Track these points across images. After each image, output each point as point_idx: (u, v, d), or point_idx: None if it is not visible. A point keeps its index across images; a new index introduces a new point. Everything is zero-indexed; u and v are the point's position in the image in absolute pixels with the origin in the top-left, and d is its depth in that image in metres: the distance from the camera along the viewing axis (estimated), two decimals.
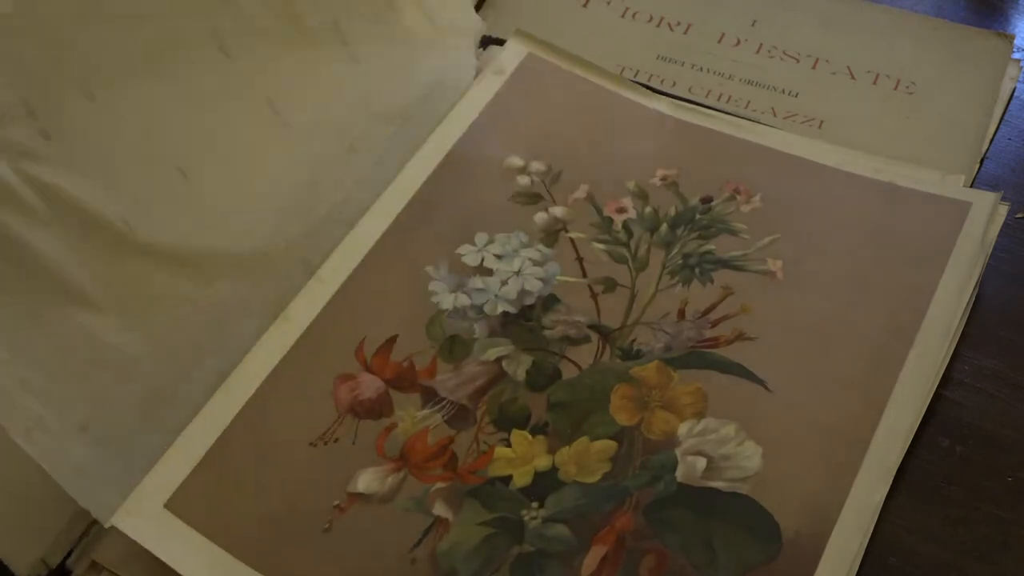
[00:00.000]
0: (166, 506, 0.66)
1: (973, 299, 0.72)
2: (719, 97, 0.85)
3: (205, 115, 0.72)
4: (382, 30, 0.81)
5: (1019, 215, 0.78)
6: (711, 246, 0.75)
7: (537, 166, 0.80)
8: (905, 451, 0.66)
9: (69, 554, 0.66)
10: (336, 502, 0.66)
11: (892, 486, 0.64)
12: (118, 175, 0.67)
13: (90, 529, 0.67)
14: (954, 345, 0.70)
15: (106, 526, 0.64)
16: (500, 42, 0.88)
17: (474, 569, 0.63)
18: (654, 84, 0.86)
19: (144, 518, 0.65)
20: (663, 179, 0.79)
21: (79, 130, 0.66)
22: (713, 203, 0.77)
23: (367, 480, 0.66)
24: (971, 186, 0.78)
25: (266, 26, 0.74)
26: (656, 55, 0.89)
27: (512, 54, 0.86)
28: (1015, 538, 0.64)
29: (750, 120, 0.82)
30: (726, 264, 0.74)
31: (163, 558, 0.64)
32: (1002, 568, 0.63)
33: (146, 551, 0.64)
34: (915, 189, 0.76)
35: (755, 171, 0.79)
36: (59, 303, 0.65)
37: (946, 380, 0.70)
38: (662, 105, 0.83)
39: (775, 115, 0.84)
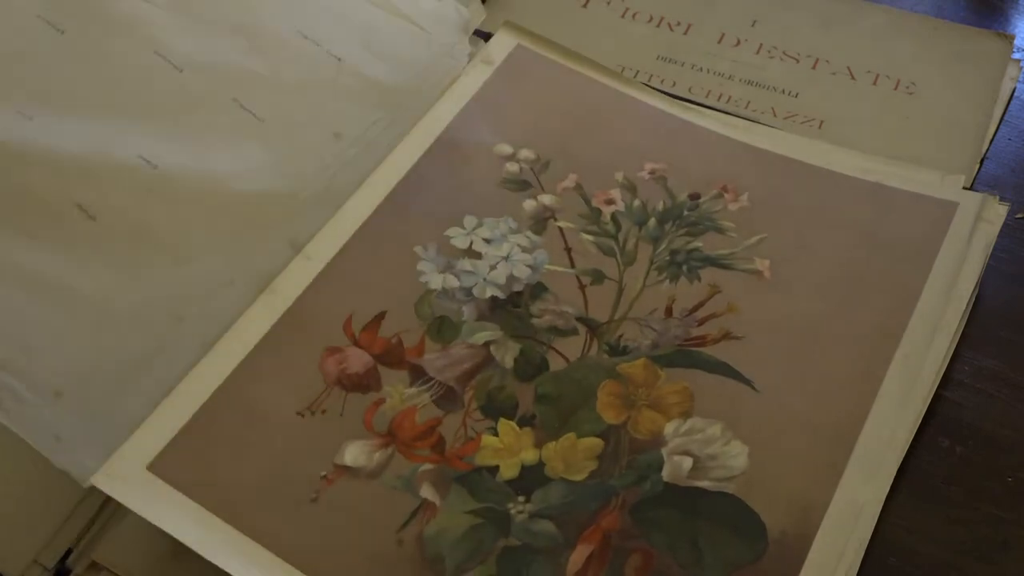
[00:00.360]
0: (149, 468, 0.64)
1: (973, 299, 0.72)
2: (719, 97, 0.85)
3: (165, 122, 0.74)
4: (358, 32, 0.82)
5: (1019, 215, 0.78)
6: (698, 243, 0.75)
7: (526, 154, 0.79)
8: (904, 452, 0.66)
9: (67, 555, 0.65)
10: (323, 473, 0.65)
11: (892, 486, 0.65)
12: (71, 167, 0.69)
13: (89, 529, 0.65)
14: (954, 345, 0.71)
15: (85, 486, 0.63)
16: None
17: (461, 558, 0.62)
18: (654, 84, 0.85)
19: (125, 479, 0.64)
20: (651, 172, 0.78)
21: (19, 134, 0.69)
22: (701, 200, 0.77)
23: (354, 453, 0.65)
24: (971, 186, 0.78)
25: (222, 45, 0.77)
26: (656, 55, 0.88)
27: (501, 45, 0.86)
28: (1015, 538, 0.64)
29: (745, 119, 0.82)
30: (713, 262, 0.74)
31: (146, 516, 0.62)
32: (1002, 568, 0.64)
33: (146, 548, 0.64)
34: (903, 189, 0.77)
35: (743, 170, 0.79)
36: (27, 276, 0.67)
37: (946, 380, 0.70)
38: (651, 99, 0.83)
39: (775, 115, 0.84)
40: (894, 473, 0.65)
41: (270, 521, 0.63)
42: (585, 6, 0.92)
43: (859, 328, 0.70)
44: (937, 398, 0.69)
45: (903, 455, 0.66)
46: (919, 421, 0.67)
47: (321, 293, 0.72)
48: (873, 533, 0.63)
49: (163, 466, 0.64)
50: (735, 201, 0.77)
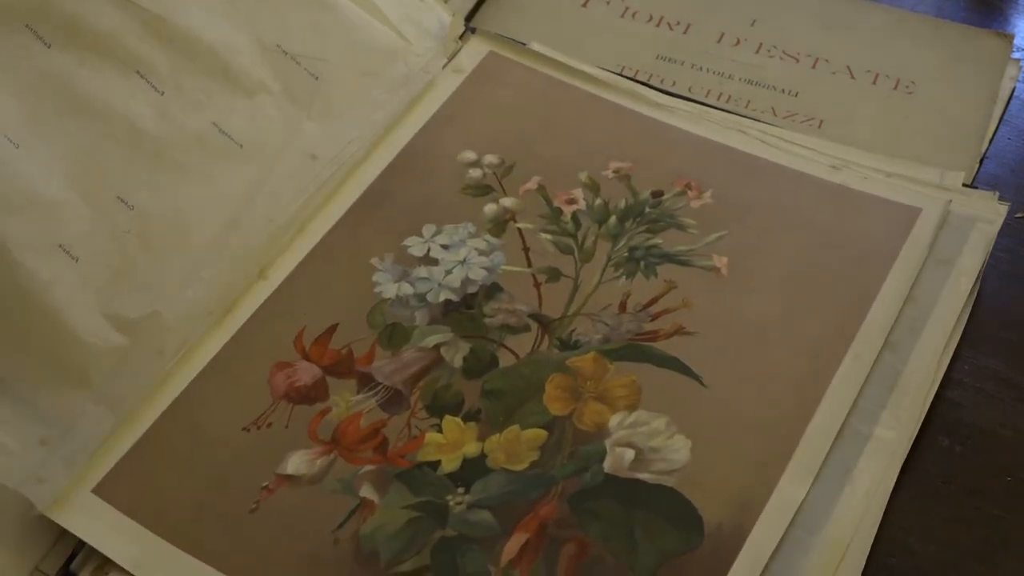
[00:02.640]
0: (94, 491, 0.67)
1: (973, 299, 0.72)
2: (719, 97, 0.86)
3: (144, 153, 0.74)
4: (337, 46, 0.83)
5: (1019, 215, 0.78)
6: (658, 240, 0.76)
7: (490, 159, 0.81)
8: (906, 452, 0.67)
9: (72, 559, 0.66)
10: (265, 483, 0.67)
11: (893, 486, 0.65)
12: (51, 210, 0.70)
13: None
14: (954, 345, 0.71)
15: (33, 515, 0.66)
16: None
17: (396, 551, 0.64)
18: (654, 84, 0.86)
19: (70, 504, 0.66)
20: (616, 172, 0.80)
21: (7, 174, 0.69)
22: (664, 197, 0.78)
23: (296, 462, 0.67)
24: (971, 185, 0.78)
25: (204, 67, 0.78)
26: (656, 55, 0.89)
27: (472, 53, 0.87)
28: (1015, 538, 0.65)
29: (737, 115, 0.83)
30: (671, 258, 0.75)
31: (87, 540, 0.65)
32: (1002, 568, 0.64)
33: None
34: (866, 192, 0.77)
35: (708, 168, 0.79)
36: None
37: (946, 380, 0.70)
38: (622, 98, 0.84)
39: (775, 115, 0.84)
40: (896, 474, 0.66)
41: (210, 536, 0.65)
42: (585, 6, 0.93)
43: (812, 328, 0.71)
44: (937, 398, 0.69)
45: (905, 455, 0.66)
46: (920, 421, 0.68)
47: (273, 311, 0.74)
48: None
49: (107, 489, 0.67)
50: (698, 198, 0.78)
